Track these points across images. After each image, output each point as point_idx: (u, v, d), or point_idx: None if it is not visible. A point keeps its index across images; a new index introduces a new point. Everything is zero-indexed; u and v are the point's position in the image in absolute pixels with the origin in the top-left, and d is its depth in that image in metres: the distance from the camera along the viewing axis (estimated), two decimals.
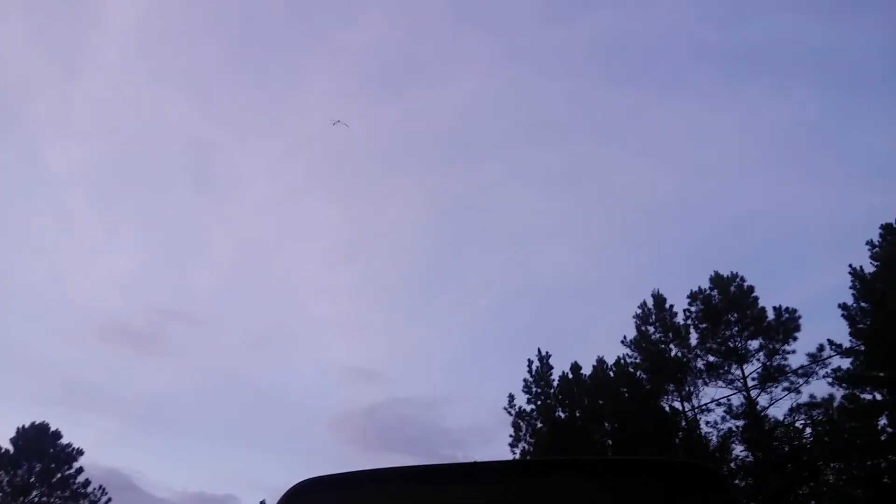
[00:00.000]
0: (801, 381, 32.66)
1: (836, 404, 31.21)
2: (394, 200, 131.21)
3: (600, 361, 38.05)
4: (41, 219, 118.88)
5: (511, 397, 38.02)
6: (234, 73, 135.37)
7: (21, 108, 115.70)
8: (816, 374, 32.30)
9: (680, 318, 36.47)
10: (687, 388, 35.00)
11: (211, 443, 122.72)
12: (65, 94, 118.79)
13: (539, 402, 37.34)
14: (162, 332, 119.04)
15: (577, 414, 36.56)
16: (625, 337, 37.36)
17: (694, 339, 35.81)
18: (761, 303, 34.87)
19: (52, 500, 44.52)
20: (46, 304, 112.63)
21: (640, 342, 36.85)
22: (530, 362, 38.57)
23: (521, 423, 37.04)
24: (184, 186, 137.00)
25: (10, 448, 45.14)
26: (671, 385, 35.17)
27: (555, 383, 38.00)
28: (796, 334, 33.60)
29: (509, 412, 37.71)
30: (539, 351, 38.99)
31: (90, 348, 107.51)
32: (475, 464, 3.08)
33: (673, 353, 35.89)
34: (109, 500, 48.34)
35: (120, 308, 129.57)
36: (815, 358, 32.02)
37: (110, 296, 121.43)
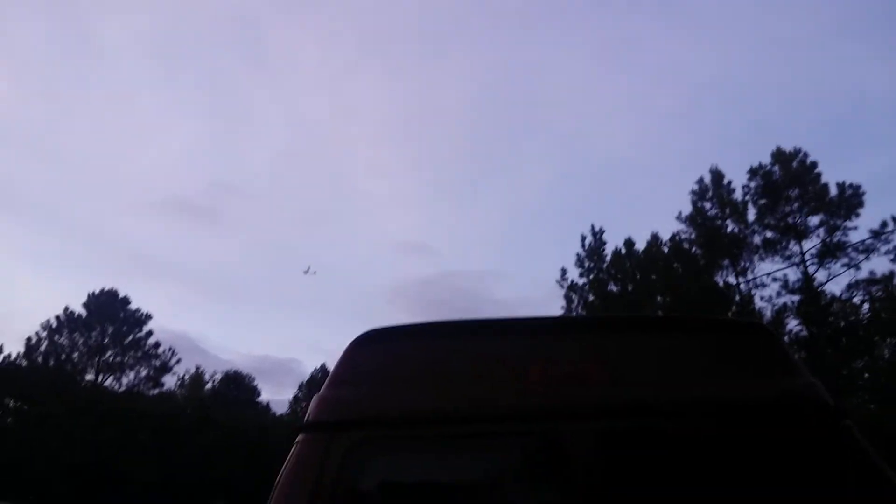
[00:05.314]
0: (861, 257, 31.97)
1: (895, 281, 30.71)
2: (446, 76, 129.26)
3: (654, 237, 37.81)
4: (99, 92, 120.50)
5: (563, 271, 38.34)
6: None
7: None
8: (878, 250, 31.55)
9: (738, 195, 35.74)
10: (742, 264, 34.74)
11: (273, 311, 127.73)
12: None
13: (591, 276, 37.62)
14: (220, 206, 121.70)
15: (630, 288, 36.79)
16: (680, 213, 36.69)
17: (752, 215, 35.12)
18: (824, 179, 33.91)
19: (125, 360, 47.14)
20: (108, 179, 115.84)
21: (695, 218, 36.26)
22: (583, 238, 38.62)
23: (574, 296, 37.47)
24: (235, 61, 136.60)
25: (83, 312, 47.51)
26: (726, 260, 34.91)
27: (607, 259, 38.12)
28: (859, 210, 32.62)
29: (561, 285, 38.10)
30: (592, 227, 38.93)
31: (152, 221, 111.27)
32: (536, 318, 3.12)
33: (729, 230, 35.40)
34: (179, 360, 51.07)
35: (179, 181, 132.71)
36: (877, 234, 31.29)
37: (169, 169, 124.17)
